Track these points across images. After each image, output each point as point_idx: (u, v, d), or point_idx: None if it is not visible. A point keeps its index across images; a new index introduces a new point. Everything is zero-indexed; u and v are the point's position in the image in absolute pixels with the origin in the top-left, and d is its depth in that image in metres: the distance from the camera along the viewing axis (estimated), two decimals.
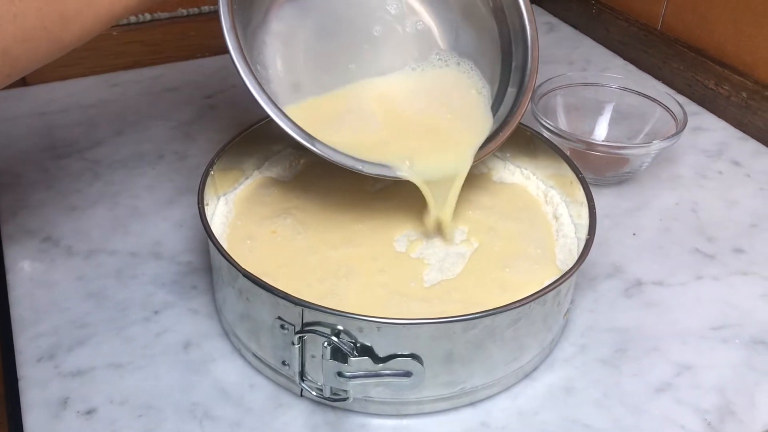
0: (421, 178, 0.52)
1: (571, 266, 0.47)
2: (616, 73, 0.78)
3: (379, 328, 0.43)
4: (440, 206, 0.53)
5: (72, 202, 0.64)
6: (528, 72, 0.56)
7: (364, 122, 0.54)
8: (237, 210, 0.56)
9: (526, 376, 0.50)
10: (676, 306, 0.56)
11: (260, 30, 0.54)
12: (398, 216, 0.56)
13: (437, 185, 0.52)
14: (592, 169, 0.66)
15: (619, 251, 0.60)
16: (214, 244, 0.47)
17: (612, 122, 0.72)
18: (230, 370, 0.50)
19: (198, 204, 0.50)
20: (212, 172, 0.54)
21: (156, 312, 0.54)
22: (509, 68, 0.57)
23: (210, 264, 0.55)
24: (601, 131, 0.72)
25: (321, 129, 0.50)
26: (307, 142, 0.49)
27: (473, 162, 0.53)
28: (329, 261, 0.52)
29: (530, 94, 0.56)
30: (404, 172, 0.51)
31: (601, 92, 0.72)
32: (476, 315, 0.43)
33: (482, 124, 0.55)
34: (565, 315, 0.51)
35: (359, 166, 0.50)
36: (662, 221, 0.64)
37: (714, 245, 0.62)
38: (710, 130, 0.76)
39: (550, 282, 0.46)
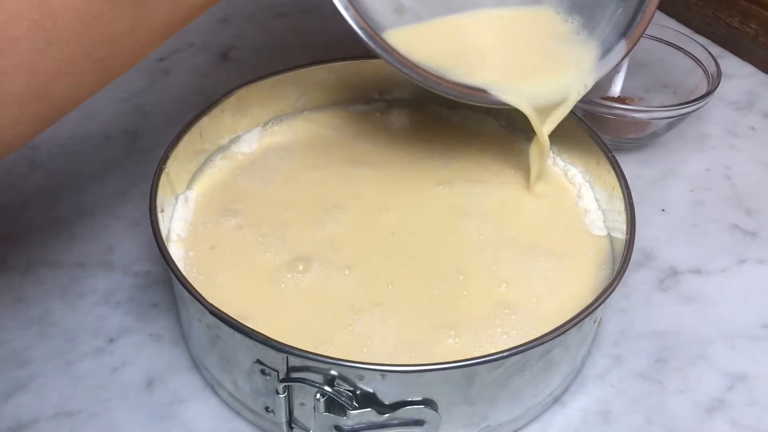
0: (529, 102, 0.45)
1: (612, 279, 0.39)
2: None
3: (383, 376, 0.35)
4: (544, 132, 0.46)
5: (6, 200, 0.54)
6: None
7: (467, 50, 0.46)
8: (198, 210, 0.47)
9: (556, 401, 0.43)
10: (719, 299, 0.48)
11: None
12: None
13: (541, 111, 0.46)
14: (611, 132, 0.57)
15: (649, 233, 0.52)
16: (176, 275, 0.38)
17: (628, 74, 0.62)
18: (203, 412, 0.42)
19: (150, 216, 0.41)
20: (166, 169, 0.44)
21: (111, 340, 0.45)
22: None
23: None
24: (615, 85, 0.63)
25: (421, 55, 0.44)
26: (401, 64, 0.43)
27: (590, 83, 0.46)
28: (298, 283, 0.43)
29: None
30: (509, 96, 0.44)
31: None
32: (502, 354, 0.35)
33: (590, 48, 0.47)
34: (596, 321, 0.44)
35: (451, 91, 0.43)
36: (693, 192, 0.56)
37: (754, 219, 0.54)
38: (736, 76, 0.67)
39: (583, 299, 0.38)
